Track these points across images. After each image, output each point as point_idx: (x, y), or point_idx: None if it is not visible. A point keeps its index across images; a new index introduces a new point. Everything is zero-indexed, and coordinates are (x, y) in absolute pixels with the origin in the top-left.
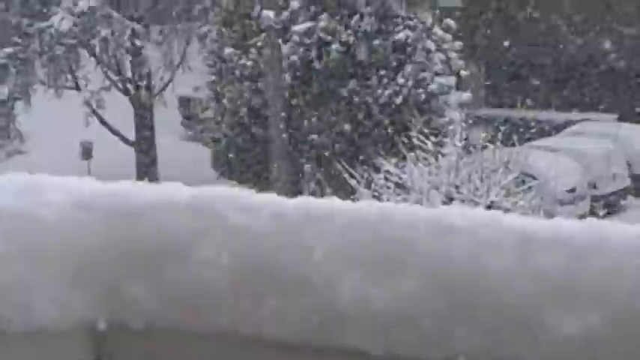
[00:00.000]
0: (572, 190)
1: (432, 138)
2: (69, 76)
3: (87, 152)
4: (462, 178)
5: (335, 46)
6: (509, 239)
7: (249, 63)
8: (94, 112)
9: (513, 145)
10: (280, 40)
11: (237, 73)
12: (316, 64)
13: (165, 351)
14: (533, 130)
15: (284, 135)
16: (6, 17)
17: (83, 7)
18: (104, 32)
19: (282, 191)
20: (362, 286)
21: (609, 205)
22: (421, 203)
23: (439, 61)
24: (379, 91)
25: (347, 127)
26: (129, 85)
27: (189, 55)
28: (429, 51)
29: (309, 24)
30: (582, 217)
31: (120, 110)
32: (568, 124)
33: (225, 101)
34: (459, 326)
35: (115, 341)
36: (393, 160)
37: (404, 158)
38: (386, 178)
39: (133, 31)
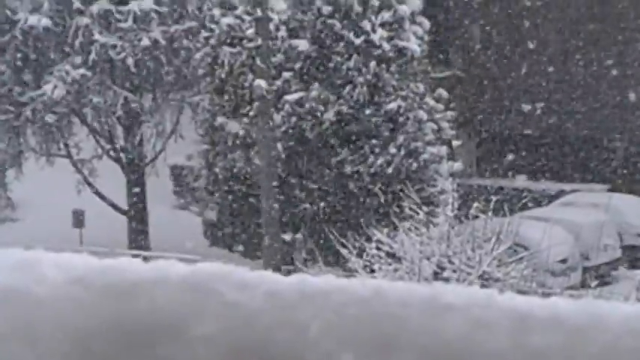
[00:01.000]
0: (564, 261)
1: (424, 207)
2: (61, 145)
3: (79, 220)
4: (454, 248)
5: (327, 115)
6: (504, 319)
7: (241, 132)
8: (85, 180)
9: (505, 215)
10: (272, 110)
11: (229, 142)
12: (308, 134)
13: None
14: (524, 200)
15: (276, 204)
16: None
17: (75, 75)
18: (96, 100)
19: (273, 260)
20: None
21: (601, 277)
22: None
23: (431, 131)
24: (371, 160)
25: (339, 196)
26: (121, 154)
27: (182, 124)
28: (420, 121)
29: (301, 93)
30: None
31: (112, 178)
32: (560, 194)
33: (217, 170)
34: None
35: None
36: (385, 230)
37: (395, 228)
38: (377, 248)
39: (126, 99)
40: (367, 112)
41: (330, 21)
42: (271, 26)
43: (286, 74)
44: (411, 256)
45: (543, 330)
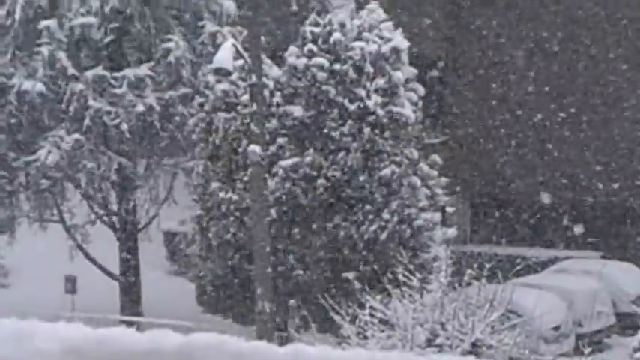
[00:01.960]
0: (557, 328)
1: (417, 274)
2: (54, 210)
3: (71, 286)
4: (447, 314)
5: (321, 181)
6: None
7: (235, 198)
8: (78, 246)
9: (498, 282)
10: (266, 176)
11: (223, 207)
12: (302, 199)
13: None
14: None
15: (269, 270)
16: None
17: (70, 141)
18: (90, 166)
19: (267, 326)
20: None
21: (594, 343)
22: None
23: (425, 197)
24: (364, 226)
25: (332, 262)
26: (114, 219)
27: (176, 190)
28: (414, 187)
29: (295, 159)
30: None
31: (105, 244)
32: (553, 261)
33: (210, 236)
34: None
35: None
36: (378, 296)
37: (389, 294)
38: (371, 314)
39: (120, 164)
40: (361, 177)
41: (324, 87)
42: (266, 92)
43: (280, 140)
44: (404, 322)
45: None
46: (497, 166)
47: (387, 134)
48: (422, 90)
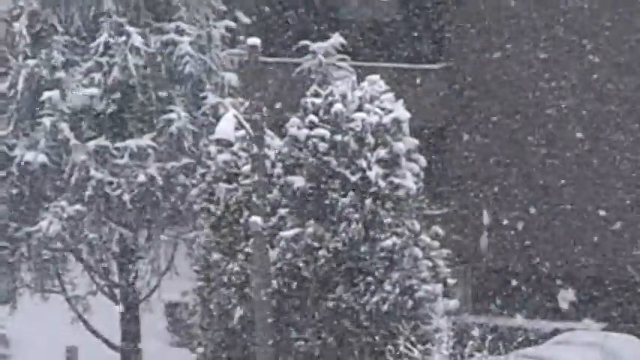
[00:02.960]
0: None
1: (419, 346)
2: (56, 281)
3: (72, 357)
4: None
5: (322, 252)
6: None
7: (236, 269)
8: (79, 316)
9: (500, 353)
10: (268, 246)
11: (225, 278)
12: (304, 271)
13: None
14: (519, 339)
15: (270, 341)
16: None
17: (71, 211)
18: (91, 236)
19: None
20: None
21: None
22: None
23: (426, 269)
24: (366, 298)
25: (334, 333)
26: (115, 290)
27: (177, 260)
28: (416, 258)
29: (296, 230)
30: None
31: (106, 314)
32: (554, 333)
33: (212, 307)
34: None
35: None
36: None
37: None
38: None
39: (121, 235)
40: (362, 248)
41: (326, 158)
42: (267, 163)
43: (282, 211)
44: None
45: None
46: (499, 237)
47: (388, 205)
48: (423, 161)
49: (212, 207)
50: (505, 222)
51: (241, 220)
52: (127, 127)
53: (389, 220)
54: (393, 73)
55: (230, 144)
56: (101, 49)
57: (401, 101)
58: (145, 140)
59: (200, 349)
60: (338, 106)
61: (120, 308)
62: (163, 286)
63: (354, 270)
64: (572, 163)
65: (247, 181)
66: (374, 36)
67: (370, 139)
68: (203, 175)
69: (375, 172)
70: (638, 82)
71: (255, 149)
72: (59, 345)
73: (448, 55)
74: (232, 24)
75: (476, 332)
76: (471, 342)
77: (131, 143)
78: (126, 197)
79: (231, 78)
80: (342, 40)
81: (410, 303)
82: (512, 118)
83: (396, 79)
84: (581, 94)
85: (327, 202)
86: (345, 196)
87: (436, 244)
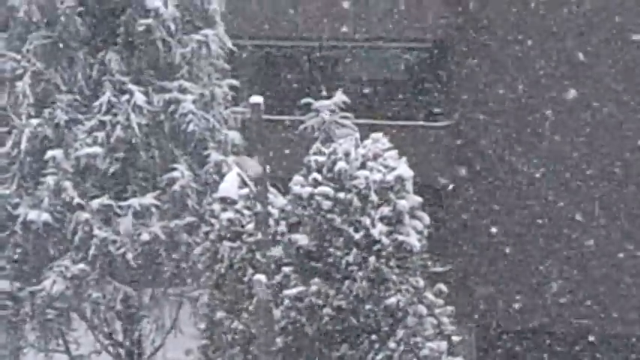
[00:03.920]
0: None
1: None
2: (59, 340)
3: None
4: None
5: (326, 310)
6: None
7: (240, 327)
8: None
9: None
10: (272, 305)
11: (229, 337)
12: (308, 329)
13: None
14: None
15: None
16: None
17: (75, 270)
18: (95, 295)
19: None
20: None
21: None
22: None
23: (430, 326)
24: (370, 355)
25: None
26: (120, 349)
27: (181, 319)
28: (420, 316)
29: (300, 288)
30: None
31: None
32: None
33: None
34: None
35: None
36: None
37: None
38: None
39: (125, 294)
40: (367, 306)
41: (329, 216)
42: (271, 221)
43: (286, 269)
44: None
45: None
46: (503, 295)
47: (392, 263)
48: (427, 219)
49: (216, 265)
50: (508, 280)
51: (245, 279)
52: (130, 186)
53: (393, 277)
54: (397, 130)
55: (234, 202)
56: (104, 107)
57: (404, 159)
58: (149, 199)
59: None
60: (341, 164)
61: None
62: (168, 345)
63: (359, 328)
64: (575, 224)
65: (251, 239)
66: (377, 93)
67: (374, 197)
68: (207, 233)
69: (378, 230)
70: None
71: (259, 207)
72: None
73: (451, 113)
74: (235, 82)
75: None
76: None
77: (134, 202)
78: (129, 256)
79: (235, 136)
80: (345, 97)
81: None
82: (516, 175)
83: (399, 137)
84: (590, 150)
85: (330, 259)
86: (348, 253)
87: (440, 301)
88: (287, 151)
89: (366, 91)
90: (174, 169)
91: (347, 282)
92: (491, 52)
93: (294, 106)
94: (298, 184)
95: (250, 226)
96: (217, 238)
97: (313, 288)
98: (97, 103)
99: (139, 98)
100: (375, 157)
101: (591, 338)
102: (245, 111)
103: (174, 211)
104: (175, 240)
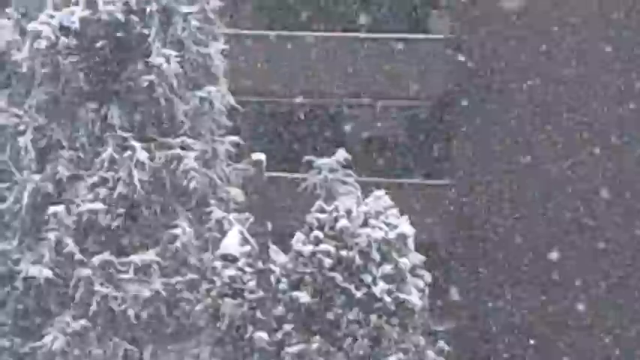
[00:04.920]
0: None
1: None
2: None
3: None
4: None
5: None
6: None
7: None
8: None
9: None
10: None
11: None
12: None
13: None
14: None
15: None
16: None
17: (76, 326)
18: (96, 352)
19: None
20: None
21: None
22: None
23: None
24: None
25: None
26: None
27: None
28: None
29: (301, 346)
30: None
31: None
32: None
33: None
34: None
35: None
36: None
37: None
38: None
39: (125, 351)
40: None
41: (331, 274)
42: (272, 278)
43: (287, 326)
44: None
45: None
46: (505, 353)
47: (393, 321)
48: (428, 277)
49: (217, 322)
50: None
51: (246, 336)
52: (131, 242)
53: (394, 336)
54: (398, 188)
55: (235, 259)
56: (106, 163)
57: (406, 217)
58: (150, 255)
59: None
60: (343, 222)
61: None
62: None
63: None
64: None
65: (252, 297)
66: (379, 151)
67: (375, 255)
68: (208, 290)
69: (380, 288)
70: None
71: (260, 265)
72: None
73: (453, 171)
74: (237, 139)
75: None
76: None
77: (136, 258)
78: (131, 312)
79: (237, 193)
80: (346, 155)
81: None
82: (516, 233)
83: (401, 195)
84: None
85: (332, 317)
86: (350, 311)
87: (442, 359)
88: (289, 209)
89: (368, 148)
90: (176, 225)
91: (348, 340)
92: (492, 110)
93: (296, 164)
94: (300, 242)
95: (252, 284)
96: (218, 295)
97: (314, 346)
98: (99, 159)
99: (141, 154)
100: (377, 215)
101: None
102: (247, 168)
103: (176, 267)
104: (176, 297)
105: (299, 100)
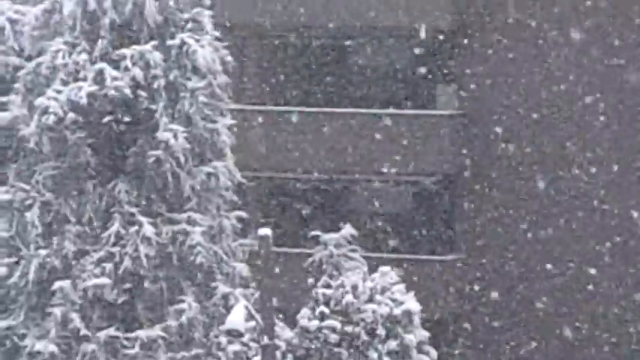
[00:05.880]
0: None
1: None
2: None
3: None
4: None
5: None
6: None
7: None
8: None
9: None
10: None
11: None
12: None
13: None
14: None
15: None
16: None
17: None
18: None
19: None
20: None
21: None
22: None
23: None
24: None
25: None
26: None
27: None
28: None
29: None
30: None
31: None
32: None
33: None
34: None
35: None
36: None
37: None
38: None
39: None
40: None
41: (336, 349)
42: (278, 354)
43: None
44: None
45: None
46: None
47: None
48: (434, 353)
49: None
50: None
51: None
52: (137, 317)
53: None
54: (405, 264)
55: (240, 335)
56: (113, 239)
57: (412, 293)
58: (156, 331)
59: None
60: (349, 298)
61: None
62: None
63: None
64: None
65: None
66: (385, 227)
67: (381, 331)
68: None
69: None
70: None
71: (266, 340)
72: None
73: (459, 247)
74: (244, 214)
75: None
76: None
77: (141, 334)
78: None
79: (242, 268)
80: (353, 230)
81: None
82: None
83: (407, 271)
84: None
85: None
86: None
87: None
88: (295, 284)
89: (374, 224)
90: (182, 300)
91: None
92: (498, 186)
93: (303, 239)
94: (305, 317)
95: (257, 359)
96: None
97: None
98: (105, 234)
99: (148, 230)
100: (383, 291)
101: None
102: (253, 243)
103: (181, 343)
104: None
105: (305, 175)
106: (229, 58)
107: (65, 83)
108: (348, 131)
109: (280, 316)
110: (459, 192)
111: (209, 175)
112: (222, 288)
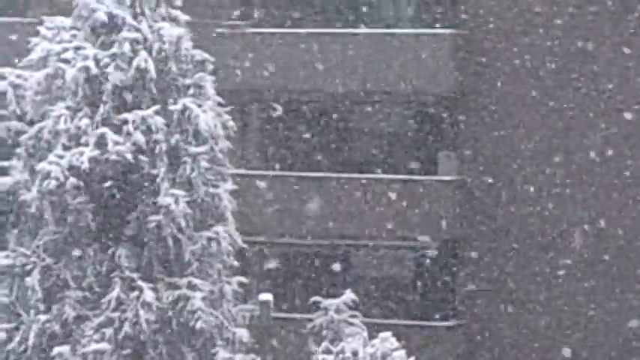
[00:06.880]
0: None
1: None
2: None
3: None
4: None
5: None
6: None
7: None
8: None
9: None
10: None
11: None
12: None
13: None
14: None
15: None
16: None
17: None
18: None
19: None
20: None
21: None
22: None
23: None
24: None
25: None
26: None
27: None
28: None
29: None
30: None
31: None
32: None
33: None
34: None
35: None
36: None
37: None
38: None
39: None
40: None
41: None
42: None
43: None
44: None
45: None
46: None
47: None
48: None
49: None
50: None
51: None
52: None
53: None
54: (406, 330)
55: None
56: (113, 304)
57: (413, 358)
58: None
59: None
60: None
61: None
62: None
63: None
64: None
65: None
66: (386, 292)
67: None
68: None
69: None
70: None
71: None
72: None
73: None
74: (244, 279)
75: None
76: None
77: None
78: None
79: (243, 334)
80: (353, 296)
81: None
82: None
83: (408, 336)
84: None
85: None
86: None
87: None
88: (295, 349)
89: (375, 289)
90: None
91: None
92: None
93: (303, 304)
94: None
95: None
96: None
97: None
98: (105, 300)
99: (148, 295)
100: (384, 357)
101: None
102: (254, 308)
103: None
104: None
105: (306, 241)
106: (231, 123)
107: (67, 148)
108: (350, 196)
109: None
110: (461, 256)
111: (210, 240)
112: (223, 353)
